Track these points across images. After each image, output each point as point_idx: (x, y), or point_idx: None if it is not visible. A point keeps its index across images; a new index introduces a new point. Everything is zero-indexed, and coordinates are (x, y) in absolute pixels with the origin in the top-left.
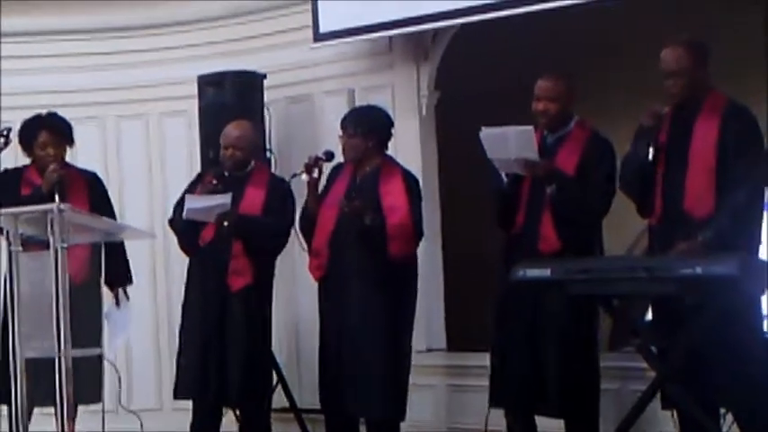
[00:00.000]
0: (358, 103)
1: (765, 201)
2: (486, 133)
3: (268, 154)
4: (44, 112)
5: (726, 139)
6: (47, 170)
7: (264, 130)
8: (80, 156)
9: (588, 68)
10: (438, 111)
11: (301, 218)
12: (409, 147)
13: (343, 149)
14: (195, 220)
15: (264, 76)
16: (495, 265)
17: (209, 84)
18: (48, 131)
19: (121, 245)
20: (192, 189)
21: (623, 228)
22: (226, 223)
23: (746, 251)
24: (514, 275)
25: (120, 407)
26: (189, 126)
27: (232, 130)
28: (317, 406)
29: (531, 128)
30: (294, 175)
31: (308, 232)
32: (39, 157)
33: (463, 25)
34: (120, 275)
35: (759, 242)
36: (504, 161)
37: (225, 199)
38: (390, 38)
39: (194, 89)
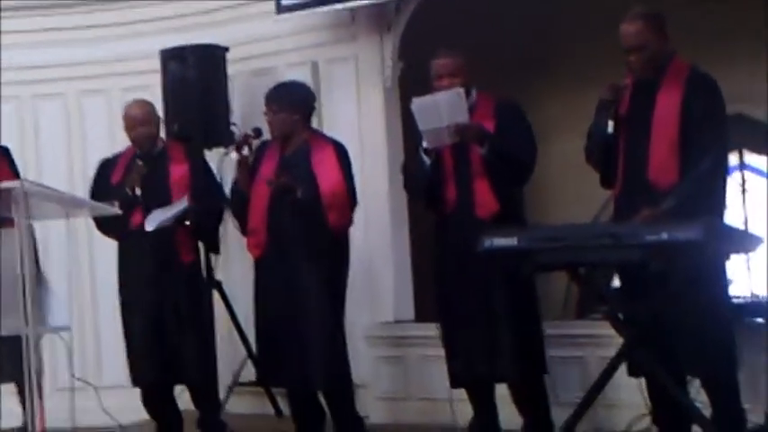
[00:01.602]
0: (322, 75)
1: (728, 166)
2: (417, 103)
3: (232, 128)
4: None
5: (689, 108)
6: None
7: (228, 104)
8: (43, 132)
9: (554, 35)
10: (402, 82)
11: (232, 197)
12: (373, 118)
13: (270, 126)
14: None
15: (227, 50)
16: (430, 246)
17: (172, 58)
18: None
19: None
20: (103, 176)
21: (589, 197)
22: (188, 222)
23: (711, 216)
24: (480, 246)
25: (73, 377)
26: (152, 101)
27: (131, 110)
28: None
29: (460, 89)
30: (225, 154)
31: (240, 211)
32: None
33: None
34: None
35: (724, 208)
36: (436, 132)
37: (183, 203)
38: (353, 9)
39: (157, 64)
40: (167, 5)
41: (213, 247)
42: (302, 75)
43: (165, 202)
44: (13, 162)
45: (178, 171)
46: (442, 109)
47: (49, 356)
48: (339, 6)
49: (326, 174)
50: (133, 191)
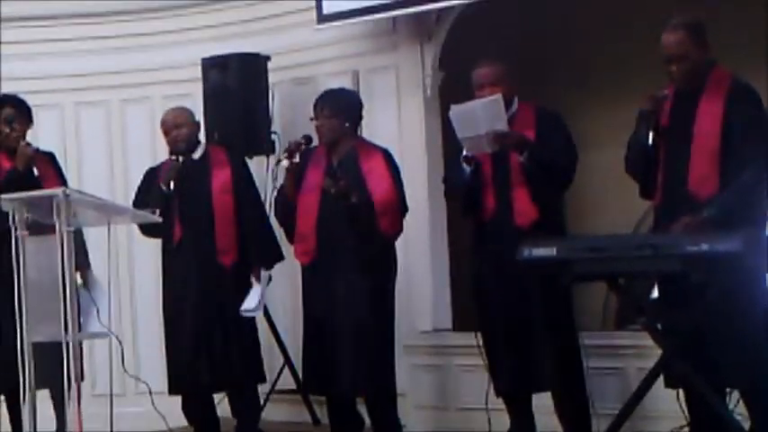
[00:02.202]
0: (363, 84)
1: None
2: (456, 111)
3: (273, 136)
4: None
5: (730, 120)
6: (19, 147)
7: (269, 113)
8: (85, 140)
9: (596, 47)
10: (442, 91)
11: (278, 205)
12: (413, 127)
13: (319, 132)
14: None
15: (268, 58)
16: (468, 255)
17: (214, 66)
18: (12, 107)
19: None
20: (147, 183)
21: (629, 206)
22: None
23: (751, 227)
24: (520, 255)
25: (127, 374)
26: (193, 109)
27: (167, 115)
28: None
29: (498, 96)
30: (278, 162)
31: (286, 218)
32: (3, 137)
33: (467, 4)
34: (79, 258)
35: (765, 219)
36: (475, 140)
37: (265, 279)
38: (394, 18)
39: (198, 72)
40: (210, 14)
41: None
42: (343, 84)
43: (206, 206)
44: (59, 168)
45: (220, 176)
46: (480, 117)
47: (88, 362)
48: (380, 16)
49: (377, 181)
50: (168, 186)
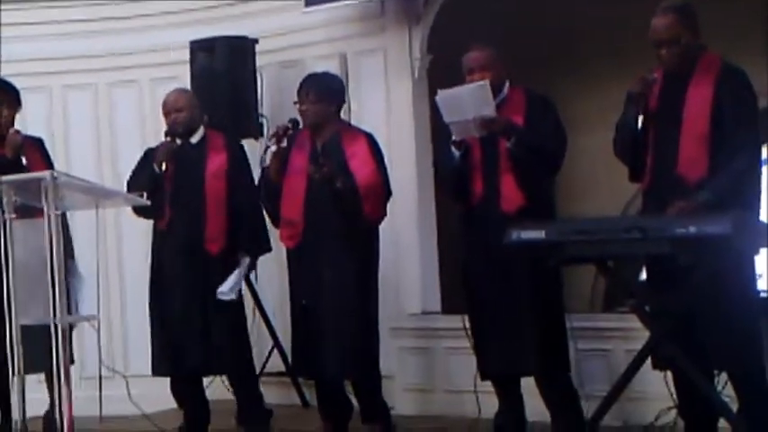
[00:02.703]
0: (351, 68)
1: (762, 161)
2: (442, 95)
3: (260, 119)
4: None
5: (720, 103)
6: (8, 134)
7: (256, 96)
8: (72, 123)
9: (585, 30)
10: (431, 74)
11: (262, 188)
12: (402, 110)
13: (303, 116)
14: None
15: (256, 41)
16: (456, 239)
17: (201, 49)
18: (1, 92)
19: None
20: (143, 163)
21: (617, 189)
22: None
23: (744, 211)
24: (508, 238)
25: (109, 370)
26: None
27: (168, 97)
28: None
29: (486, 82)
30: (267, 148)
31: (271, 202)
32: None
33: None
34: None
35: (758, 203)
36: (462, 124)
37: (245, 263)
38: (382, 1)
39: (186, 55)
40: None
41: (264, 248)
42: (331, 67)
43: (198, 191)
44: (47, 154)
45: (216, 161)
46: (467, 102)
47: (76, 345)
48: None
49: (361, 165)
50: (160, 166)
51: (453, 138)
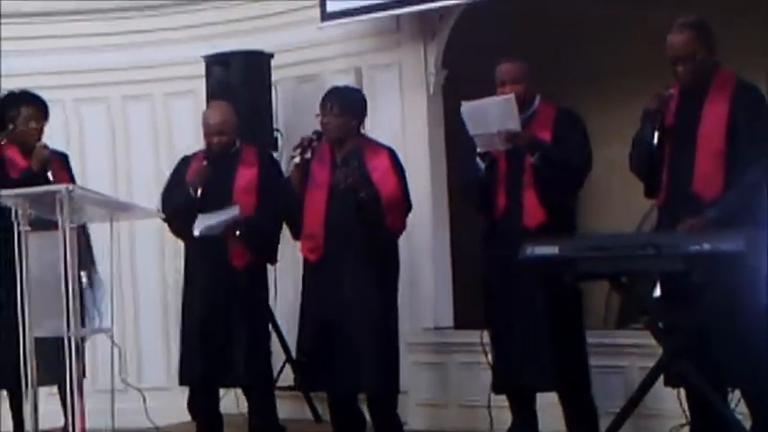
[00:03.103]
0: (366, 82)
1: None
2: (468, 107)
3: (275, 134)
4: (17, 89)
5: (735, 120)
6: (36, 147)
7: (272, 110)
8: (87, 137)
9: (602, 44)
10: (445, 89)
11: (284, 200)
12: (417, 125)
13: (325, 128)
14: (208, 234)
15: (272, 56)
16: (479, 252)
17: (217, 63)
18: (31, 105)
19: (84, 228)
20: (178, 173)
21: (632, 205)
22: (237, 233)
23: (754, 228)
24: (522, 254)
25: (123, 383)
26: (196, 106)
27: (211, 118)
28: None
29: (511, 96)
30: (292, 158)
31: (292, 214)
32: (21, 133)
33: (470, 3)
34: (84, 256)
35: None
36: (486, 137)
37: (234, 211)
38: (397, 16)
39: (201, 69)
40: (213, 11)
41: (268, 257)
42: (346, 81)
43: (225, 203)
44: (71, 170)
45: (245, 175)
46: (492, 115)
47: (89, 358)
48: (383, 14)
49: (383, 178)
50: (195, 191)
51: (479, 149)
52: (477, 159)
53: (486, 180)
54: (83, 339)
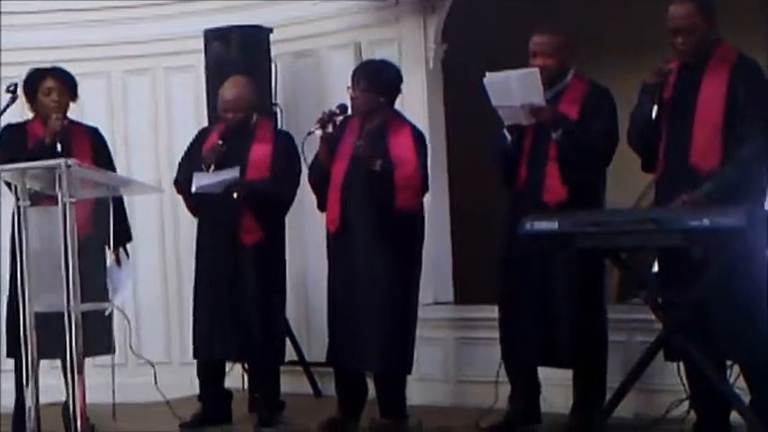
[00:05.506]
0: (365, 57)
1: None
2: (490, 79)
3: (275, 108)
4: (48, 65)
5: (734, 95)
6: (50, 119)
7: (271, 85)
8: (86, 111)
9: (604, 19)
10: (445, 64)
11: (312, 172)
12: (416, 100)
13: (353, 102)
14: (205, 193)
15: (271, 31)
16: (501, 221)
17: (216, 38)
18: (53, 78)
19: (121, 202)
20: (194, 147)
21: (630, 181)
22: (236, 195)
23: (750, 203)
24: (521, 229)
25: (133, 353)
26: (195, 81)
27: (228, 93)
28: (325, 359)
29: (536, 69)
30: (310, 133)
31: (319, 186)
32: (42, 105)
33: None
34: (119, 233)
35: (764, 195)
36: (510, 109)
37: (233, 173)
38: None
39: (200, 44)
40: None
41: (272, 228)
42: (345, 56)
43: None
44: (98, 145)
45: (259, 150)
46: (515, 87)
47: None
48: None
49: (402, 155)
50: (208, 168)
51: (506, 122)
52: (504, 131)
53: (512, 152)
54: (110, 315)
